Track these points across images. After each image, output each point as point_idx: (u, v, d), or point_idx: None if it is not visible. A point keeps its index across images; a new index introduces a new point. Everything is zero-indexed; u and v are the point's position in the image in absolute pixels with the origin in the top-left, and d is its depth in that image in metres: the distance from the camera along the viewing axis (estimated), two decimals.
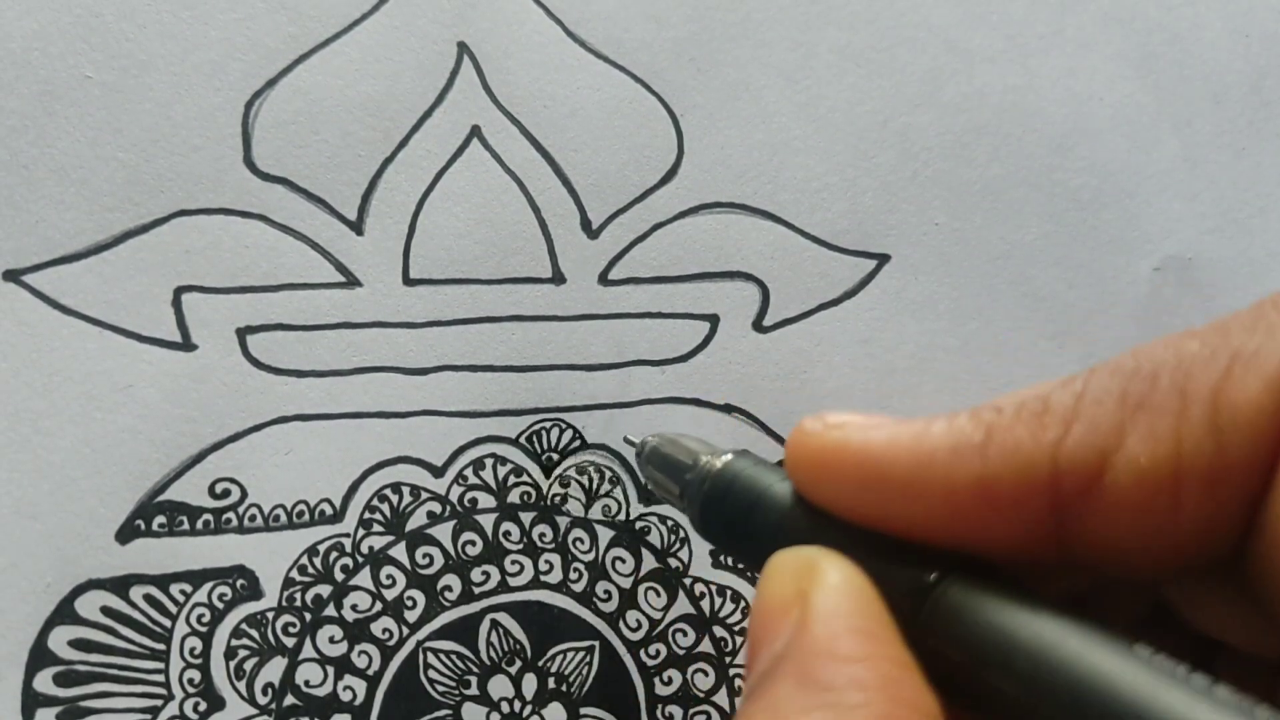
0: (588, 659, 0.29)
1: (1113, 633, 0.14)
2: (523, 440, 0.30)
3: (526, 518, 0.30)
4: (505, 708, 0.29)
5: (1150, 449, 0.15)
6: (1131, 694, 0.13)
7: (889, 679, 0.15)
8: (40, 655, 0.26)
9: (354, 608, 0.28)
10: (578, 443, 0.30)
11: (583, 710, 0.29)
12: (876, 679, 0.15)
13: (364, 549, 0.28)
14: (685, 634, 0.30)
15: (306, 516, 0.28)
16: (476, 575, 0.29)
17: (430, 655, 0.29)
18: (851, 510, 0.17)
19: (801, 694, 0.15)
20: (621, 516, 0.30)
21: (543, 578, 0.29)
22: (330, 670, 0.28)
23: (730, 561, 0.30)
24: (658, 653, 0.30)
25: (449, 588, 0.29)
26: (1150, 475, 0.15)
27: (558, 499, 0.30)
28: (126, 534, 0.27)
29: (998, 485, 0.16)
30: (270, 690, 0.27)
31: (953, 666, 0.15)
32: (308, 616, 0.28)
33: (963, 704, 0.16)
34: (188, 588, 0.27)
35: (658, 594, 0.30)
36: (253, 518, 0.28)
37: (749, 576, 0.30)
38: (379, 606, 0.28)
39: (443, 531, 0.29)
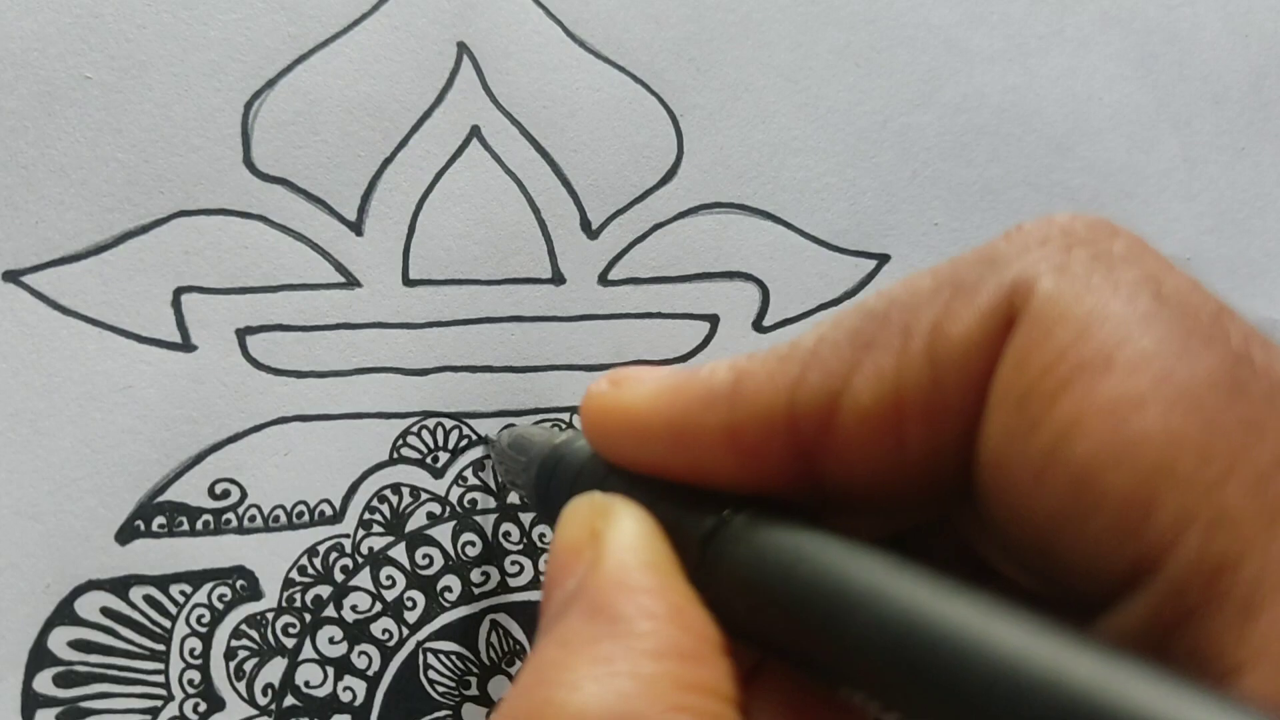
0: None
1: (897, 557, 0.14)
2: None
3: (526, 518, 0.30)
4: None
5: (873, 387, 0.15)
6: (894, 603, 0.13)
7: (677, 609, 0.15)
8: (40, 656, 0.26)
9: (354, 608, 0.28)
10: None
11: None
12: (665, 608, 0.15)
13: (364, 549, 0.28)
14: None
15: (306, 517, 0.28)
16: (476, 576, 0.29)
17: (430, 656, 0.29)
18: (634, 463, 0.18)
19: (590, 625, 0.15)
20: None
21: (543, 578, 0.29)
22: (330, 671, 0.28)
23: None
24: None
25: (449, 588, 0.29)
26: (873, 413, 0.15)
27: None
28: (126, 534, 0.27)
29: (743, 432, 0.16)
30: (270, 691, 0.27)
31: (737, 612, 0.15)
32: (308, 617, 0.28)
33: (758, 652, 0.16)
34: (187, 588, 0.27)
35: None
36: (252, 518, 0.28)
37: None
38: (379, 607, 0.28)
39: (442, 532, 0.29)
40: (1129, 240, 0.15)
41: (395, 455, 0.29)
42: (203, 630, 0.27)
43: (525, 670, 0.15)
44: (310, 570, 0.28)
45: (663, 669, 0.14)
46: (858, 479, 0.16)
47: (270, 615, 0.28)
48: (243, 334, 0.28)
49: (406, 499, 0.29)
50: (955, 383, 0.14)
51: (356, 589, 0.28)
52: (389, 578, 0.29)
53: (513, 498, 0.29)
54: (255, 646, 0.28)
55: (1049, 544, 0.14)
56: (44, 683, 0.26)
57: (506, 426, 0.28)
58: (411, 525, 0.29)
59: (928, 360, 0.15)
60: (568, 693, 0.14)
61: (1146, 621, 0.13)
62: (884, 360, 0.15)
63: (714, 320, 0.31)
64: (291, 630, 0.28)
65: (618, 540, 0.16)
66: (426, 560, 0.29)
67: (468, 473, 0.29)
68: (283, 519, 0.28)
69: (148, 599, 0.27)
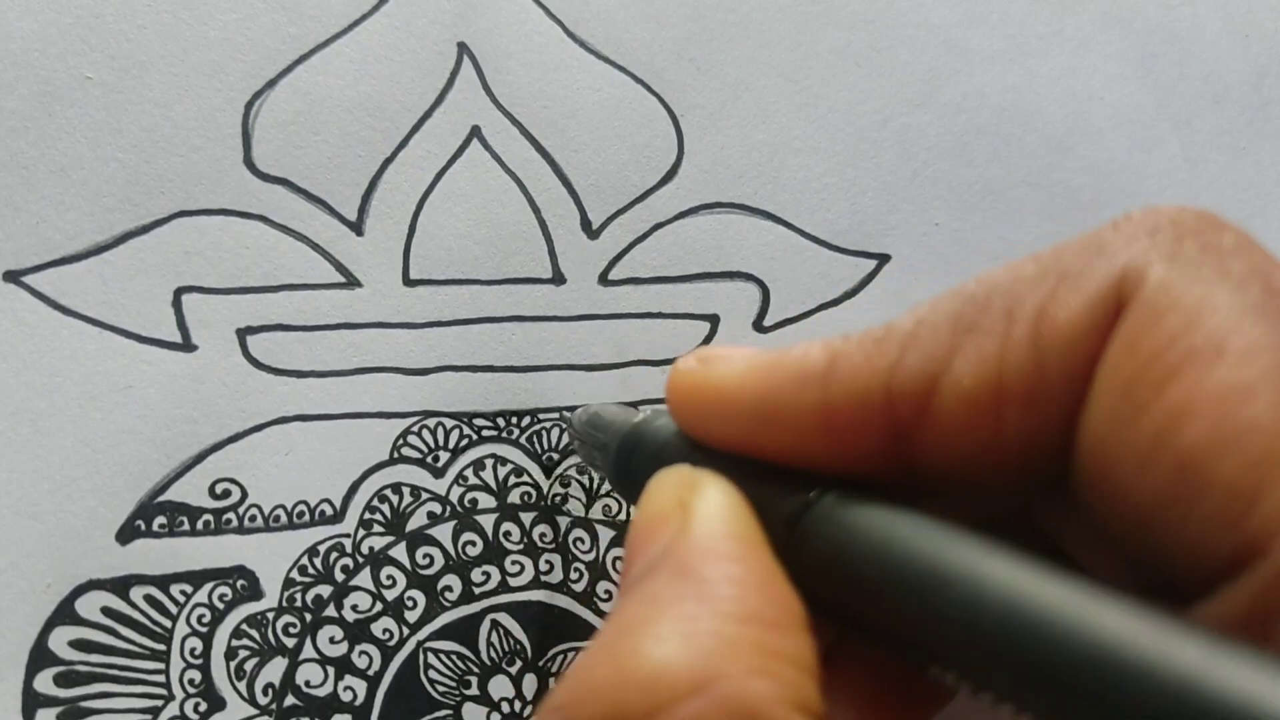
0: None
1: (985, 540, 0.14)
2: (523, 440, 0.30)
3: (527, 518, 0.30)
4: (506, 708, 0.29)
5: (974, 370, 0.15)
6: (987, 583, 0.13)
7: (762, 579, 0.15)
8: (41, 656, 0.26)
9: (354, 608, 0.28)
10: (578, 442, 0.30)
11: None
12: (751, 577, 0.15)
13: (364, 549, 0.28)
14: None
15: (307, 517, 0.28)
16: (477, 575, 0.29)
17: (430, 655, 0.29)
18: (721, 441, 0.18)
19: (676, 584, 0.15)
20: (622, 516, 0.30)
21: (543, 578, 0.29)
22: (331, 670, 0.28)
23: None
24: None
25: (449, 588, 0.29)
26: (973, 396, 0.15)
27: (558, 499, 0.30)
28: (127, 534, 0.27)
29: (837, 412, 0.16)
30: (271, 690, 0.27)
31: (822, 590, 0.15)
32: (308, 617, 0.28)
33: (843, 630, 0.16)
34: (188, 588, 0.27)
35: None
36: (253, 518, 0.28)
37: None
38: (379, 607, 0.28)
39: (443, 532, 0.29)
40: (1237, 234, 0.15)
41: (396, 455, 0.29)
42: (203, 630, 0.27)
43: (608, 625, 0.15)
44: (311, 570, 0.28)
45: (746, 633, 0.14)
46: (952, 463, 0.16)
47: (271, 615, 0.28)
48: (243, 334, 0.28)
49: (407, 499, 0.29)
50: (1059, 368, 0.15)
51: (357, 589, 0.28)
52: (389, 577, 0.29)
53: (513, 497, 0.29)
54: (256, 646, 0.28)
55: (1150, 530, 0.14)
56: (44, 682, 0.26)
57: (581, 407, 0.28)
58: (412, 525, 0.29)
59: (1031, 345, 0.15)
60: (653, 644, 0.14)
61: (1246, 608, 0.13)
62: (986, 344, 0.15)
63: (714, 320, 0.31)
64: (292, 630, 0.28)
65: (706, 510, 0.16)
66: (427, 560, 0.29)
67: (468, 472, 0.29)
68: (283, 519, 0.28)
69: (148, 599, 0.27)
